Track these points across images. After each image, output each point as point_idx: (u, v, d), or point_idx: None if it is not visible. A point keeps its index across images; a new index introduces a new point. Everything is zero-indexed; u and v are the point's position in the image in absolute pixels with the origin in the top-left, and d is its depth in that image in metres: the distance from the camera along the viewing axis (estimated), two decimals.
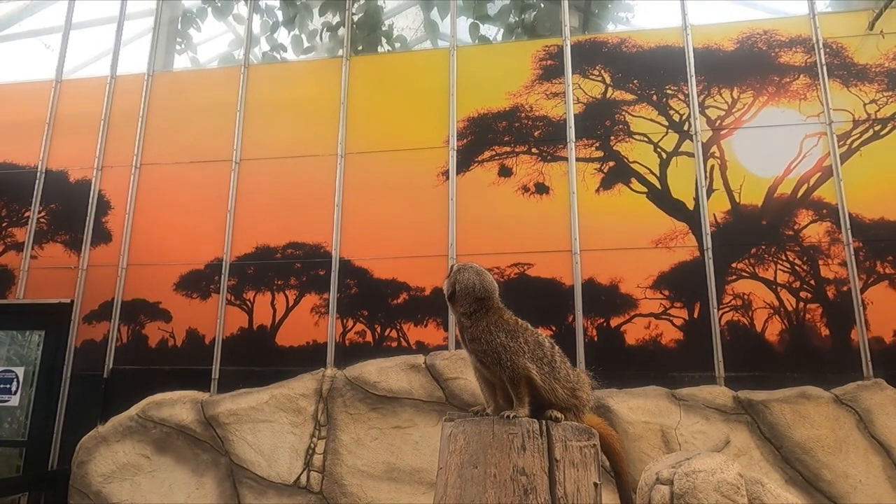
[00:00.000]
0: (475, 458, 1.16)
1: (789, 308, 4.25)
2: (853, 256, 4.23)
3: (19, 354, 5.50)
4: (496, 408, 1.63)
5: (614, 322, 4.42)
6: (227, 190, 5.13)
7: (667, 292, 4.40)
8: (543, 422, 1.22)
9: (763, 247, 4.37)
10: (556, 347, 1.68)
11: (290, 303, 4.84)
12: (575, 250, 4.53)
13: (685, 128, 4.68)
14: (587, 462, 1.21)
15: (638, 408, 4.13)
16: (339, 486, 4.28)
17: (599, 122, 4.82)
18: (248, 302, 4.90)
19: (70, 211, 5.34)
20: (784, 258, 4.33)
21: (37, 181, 5.45)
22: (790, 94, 4.62)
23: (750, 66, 4.71)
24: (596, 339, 4.38)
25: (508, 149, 4.87)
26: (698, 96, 4.72)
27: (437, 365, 4.40)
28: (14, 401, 5.11)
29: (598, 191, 4.67)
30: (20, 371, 5.17)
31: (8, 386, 5.11)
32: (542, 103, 4.92)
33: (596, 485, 1.21)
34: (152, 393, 4.70)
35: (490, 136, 4.92)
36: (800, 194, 4.42)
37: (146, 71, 5.61)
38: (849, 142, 4.44)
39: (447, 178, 4.86)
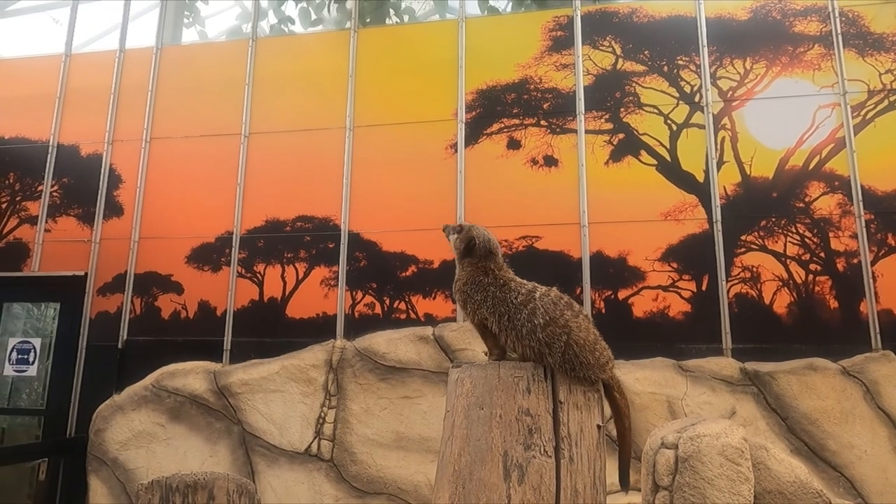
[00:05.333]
0: (481, 400, 1.20)
1: (798, 280, 4.24)
2: (864, 229, 4.20)
3: (35, 327, 5.62)
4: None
5: (622, 294, 4.43)
6: (236, 163, 5.15)
7: (675, 265, 4.40)
8: (548, 366, 1.26)
9: (773, 219, 4.35)
10: (538, 306, 1.66)
11: (300, 275, 4.89)
12: (583, 223, 4.53)
13: (696, 99, 4.63)
14: (591, 405, 1.24)
15: (644, 379, 4.16)
16: (349, 455, 4.37)
17: (609, 94, 4.77)
18: (258, 274, 4.95)
19: (82, 185, 5.39)
20: (794, 231, 4.31)
21: (49, 155, 5.50)
22: (804, 64, 4.55)
23: (763, 35, 4.64)
24: (604, 311, 4.40)
25: (517, 121, 4.84)
26: (710, 67, 4.65)
27: (445, 336, 4.45)
28: (32, 371, 5.23)
29: (607, 163, 4.65)
30: (37, 342, 5.28)
31: (25, 357, 5.23)
32: (551, 75, 4.88)
33: (599, 427, 1.24)
34: (166, 363, 4.79)
35: (499, 109, 4.90)
36: (812, 166, 4.37)
37: (155, 45, 5.61)
38: (863, 113, 4.38)
39: (456, 150, 4.86)
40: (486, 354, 1.74)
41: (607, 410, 1.54)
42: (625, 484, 1.81)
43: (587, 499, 1.15)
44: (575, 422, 1.21)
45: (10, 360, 5.23)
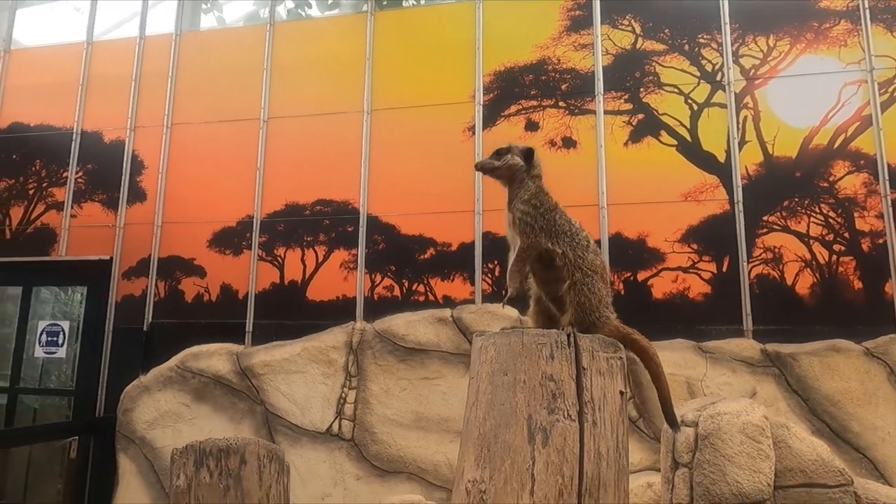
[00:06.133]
0: (505, 367, 1.22)
1: (821, 261, 4.18)
2: (890, 208, 4.12)
3: (63, 311, 5.76)
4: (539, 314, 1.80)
5: (641, 276, 4.41)
6: (255, 148, 5.20)
7: (695, 246, 4.36)
8: (571, 333, 1.28)
9: (796, 199, 4.29)
10: (586, 235, 1.93)
11: (320, 258, 4.95)
12: (602, 204, 4.51)
13: (718, 78, 4.56)
14: (613, 372, 1.26)
15: (664, 360, 4.04)
16: (369, 434, 4.44)
17: (629, 74, 4.72)
18: (278, 258, 5.02)
19: (106, 170, 5.49)
20: (818, 210, 4.24)
21: (73, 142, 5.60)
22: (830, 40, 4.44)
23: (787, 11, 4.54)
24: (623, 292, 4.39)
25: (535, 103, 4.81)
26: (732, 45, 4.57)
27: (463, 318, 4.48)
28: (61, 353, 5.37)
29: (626, 144, 4.61)
30: (65, 325, 5.42)
31: (55, 339, 5.38)
32: (569, 55, 4.83)
33: (622, 393, 1.26)
34: (190, 345, 4.89)
35: (516, 90, 4.87)
36: (836, 145, 4.29)
37: (174, 31, 5.65)
38: (890, 90, 4.28)
39: (473, 133, 4.85)
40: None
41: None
42: (674, 424, 1.85)
43: (610, 461, 1.18)
44: (598, 387, 1.23)
45: (40, 342, 5.38)
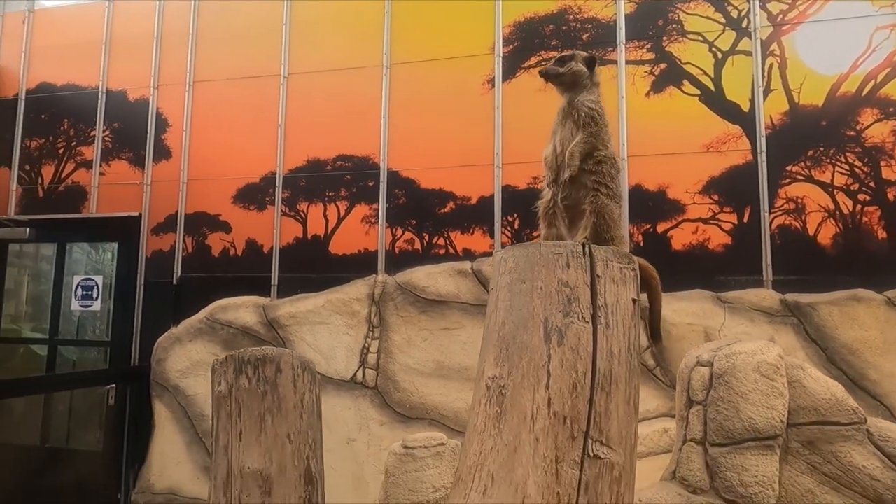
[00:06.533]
0: (523, 276, 1.29)
1: (845, 211, 4.14)
2: None
3: (95, 267, 5.97)
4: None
5: (661, 227, 4.42)
6: (277, 104, 5.25)
7: (716, 197, 4.34)
8: (586, 244, 1.34)
9: (821, 148, 4.22)
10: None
11: (342, 213, 5.03)
12: (623, 156, 4.48)
13: (744, 25, 4.45)
14: (627, 281, 1.32)
15: (682, 310, 4.19)
16: (392, 382, 4.58)
17: (651, 23, 4.63)
18: (301, 213, 5.11)
19: (131, 129, 5.60)
20: (843, 160, 4.18)
21: (98, 101, 5.70)
22: None
23: None
24: (642, 244, 4.41)
25: (556, 53, 4.73)
26: None
27: (483, 270, 4.55)
28: (96, 306, 5.60)
29: (647, 94, 4.55)
30: (99, 279, 5.63)
31: (90, 293, 5.59)
32: (591, 4, 4.75)
33: (634, 301, 1.33)
34: (218, 298, 5.05)
35: (537, 41, 4.81)
36: (865, 92, 4.19)
37: None
38: None
39: (493, 86, 4.82)
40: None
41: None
42: (657, 337, 1.97)
43: (622, 360, 1.25)
44: (611, 293, 1.29)
45: (76, 296, 5.61)
